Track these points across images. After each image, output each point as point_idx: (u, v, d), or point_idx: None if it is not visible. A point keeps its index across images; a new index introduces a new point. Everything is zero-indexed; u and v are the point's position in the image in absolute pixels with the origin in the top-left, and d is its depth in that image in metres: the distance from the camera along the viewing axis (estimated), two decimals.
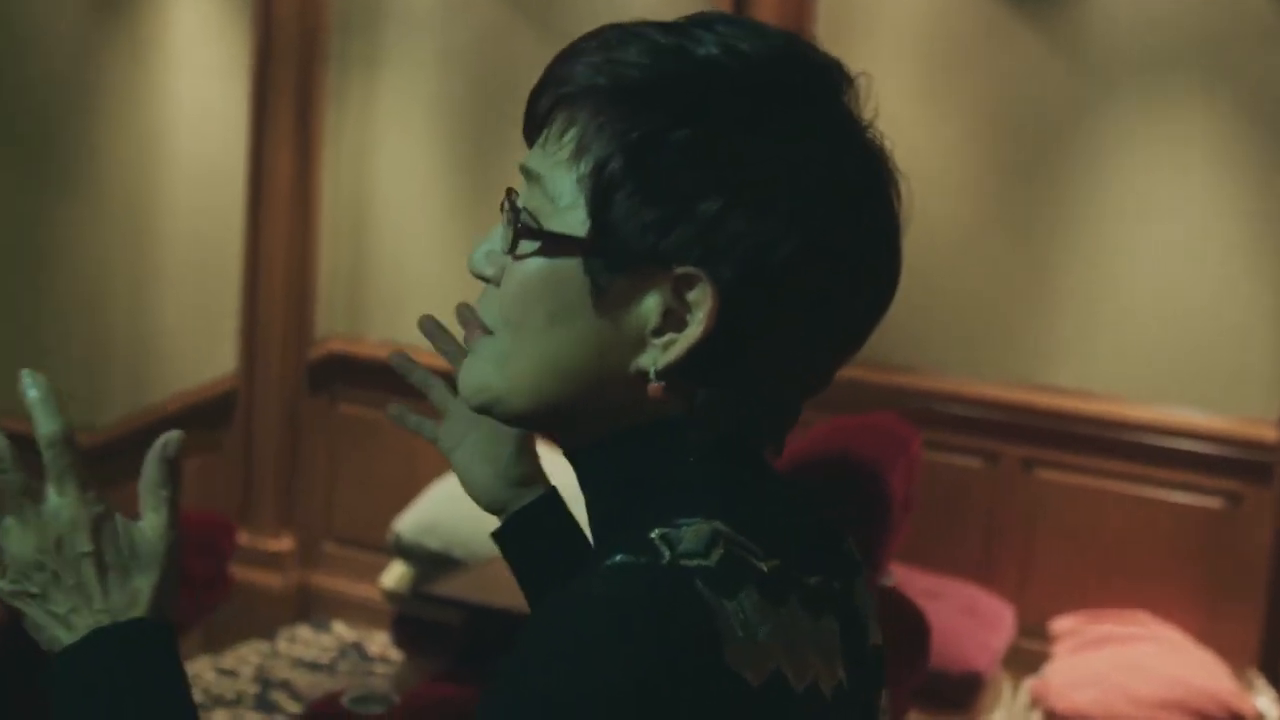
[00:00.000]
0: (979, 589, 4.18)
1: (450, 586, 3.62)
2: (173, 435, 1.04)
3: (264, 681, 4.19)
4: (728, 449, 0.95)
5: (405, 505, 4.24)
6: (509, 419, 0.97)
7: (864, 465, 2.96)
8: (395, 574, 4.09)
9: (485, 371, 0.95)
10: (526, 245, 0.91)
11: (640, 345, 0.91)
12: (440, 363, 1.25)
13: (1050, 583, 4.21)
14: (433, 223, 4.85)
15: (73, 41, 4.88)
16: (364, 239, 4.89)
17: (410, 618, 3.99)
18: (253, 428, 4.59)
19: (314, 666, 4.31)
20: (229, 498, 4.60)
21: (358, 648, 4.43)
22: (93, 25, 4.97)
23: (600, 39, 0.91)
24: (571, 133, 0.91)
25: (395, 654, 4.26)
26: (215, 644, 4.43)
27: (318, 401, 4.69)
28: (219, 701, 4.02)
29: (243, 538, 4.55)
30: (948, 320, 4.44)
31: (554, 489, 1.28)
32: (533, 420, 0.97)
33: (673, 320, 0.90)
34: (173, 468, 1.04)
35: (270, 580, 4.58)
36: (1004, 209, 4.38)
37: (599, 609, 0.85)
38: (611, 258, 0.89)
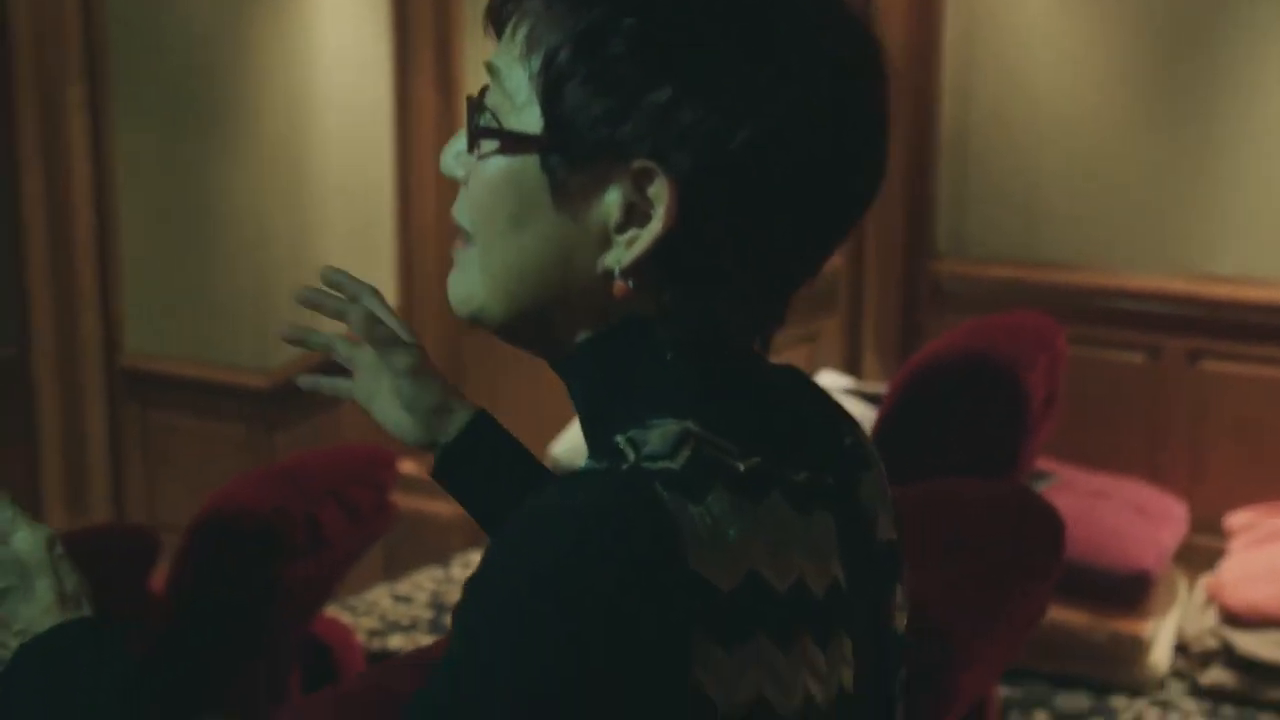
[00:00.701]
0: (1148, 487, 4.09)
1: None
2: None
3: (438, 606, 4.32)
4: (705, 346, 0.93)
5: (561, 430, 4.30)
6: (494, 329, 0.97)
7: (1002, 364, 2.93)
8: None
9: (468, 282, 0.96)
10: (487, 144, 0.92)
11: (605, 243, 0.90)
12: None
13: (1223, 477, 4.10)
14: None
15: (225, 5, 5.06)
16: None
17: None
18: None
19: None
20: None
21: None
22: None
23: None
24: (524, 27, 0.90)
25: None
26: (392, 572, 4.58)
27: (477, 335, 4.72)
28: (395, 627, 4.16)
29: (414, 468, 4.69)
30: (1103, 213, 4.31)
31: (480, 412, 1.27)
32: (514, 329, 0.96)
33: (636, 216, 0.89)
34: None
35: (442, 509, 4.68)
36: (1156, 95, 4.23)
37: (554, 523, 0.83)
38: (567, 152, 0.89)
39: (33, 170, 4.96)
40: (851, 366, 4.42)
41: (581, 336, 0.95)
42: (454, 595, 4.32)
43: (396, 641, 4.07)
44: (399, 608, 4.32)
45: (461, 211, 0.96)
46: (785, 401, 0.99)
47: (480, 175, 0.93)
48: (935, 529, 2.49)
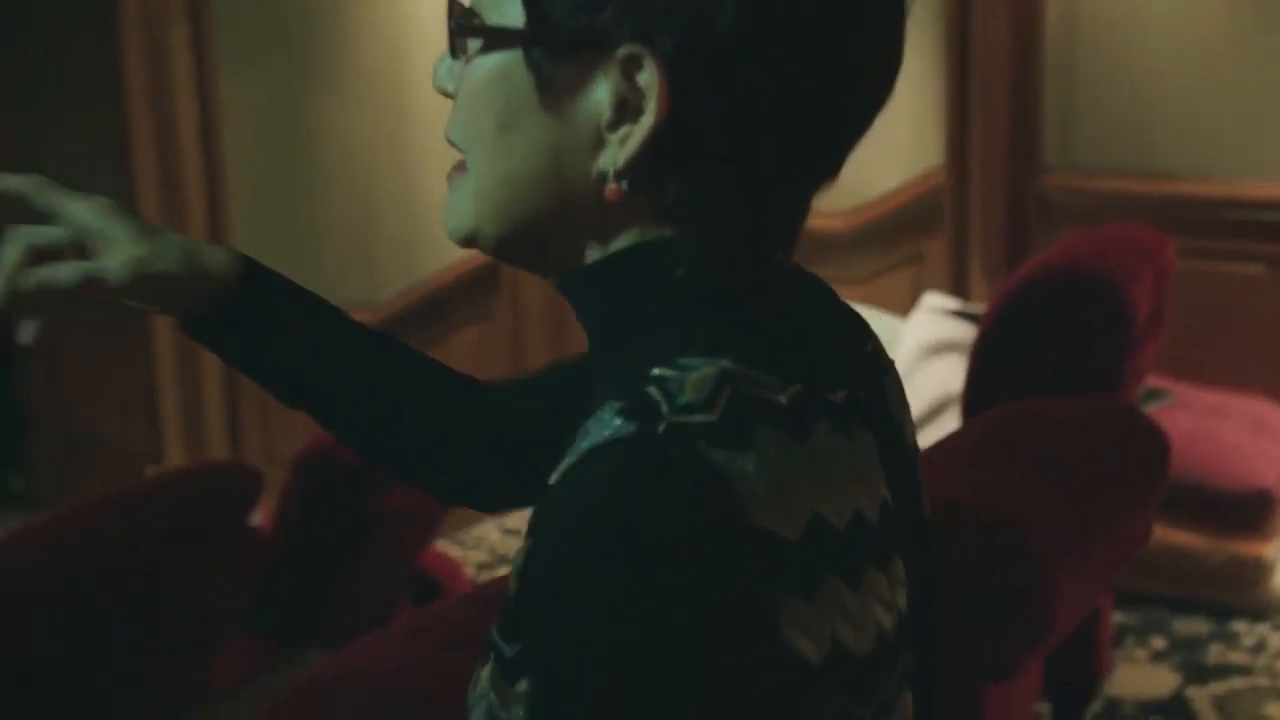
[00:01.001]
0: (1269, 403, 3.99)
1: None
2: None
3: None
4: (720, 260, 0.88)
5: None
6: (491, 250, 0.92)
7: (1103, 277, 2.86)
8: None
9: (459, 202, 0.91)
10: (471, 45, 0.88)
11: (599, 144, 0.85)
12: None
13: None
14: None
15: None
16: None
17: None
18: (519, 298, 4.72)
19: None
20: (499, 366, 4.76)
21: None
22: None
23: None
24: None
25: None
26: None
27: None
28: (503, 560, 4.24)
29: None
30: (1217, 119, 4.20)
31: (239, 259, 1.12)
32: (511, 247, 0.92)
33: (628, 111, 0.84)
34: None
35: None
36: None
37: (607, 518, 0.77)
38: (549, 45, 0.84)
39: (141, 113, 5.06)
40: (958, 288, 4.36)
41: (589, 257, 0.90)
42: None
43: (504, 571, 4.12)
44: (508, 541, 4.38)
45: (453, 127, 0.92)
46: (810, 313, 0.94)
47: (467, 82, 0.89)
48: (1030, 448, 2.46)
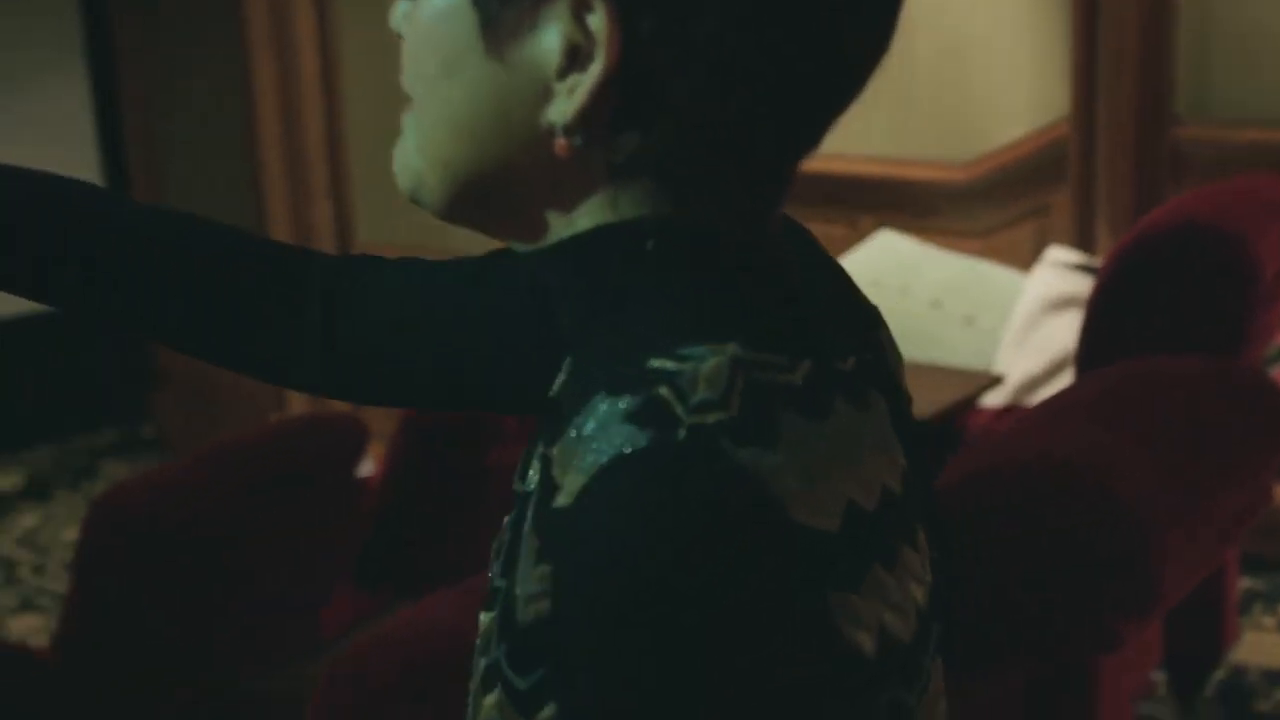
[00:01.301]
0: None
1: None
2: None
3: None
4: (696, 230, 0.82)
5: None
6: (436, 209, 0.87)
7: (1228, 230, 2.83)
8: None
9: (406, 151, 0.86)
10: None
11: (548, 95, 0.79)
12: None
13: None
14: None
15: None
16: None
17: None
18: None
19: None
20: None
21: None
22: None
23: None
24: None
25: None
26: None
27: None
28: None
29: None
30: None
31: None
32: (456, 206, 0.86)
33: (580, 59, 0.77)
34: None
35: None
36: None
37: (643, 556, 0.71)
38: None
39: (263, 63, 5.18)
40: (1084, 241, 4.31)
41: (551, 226, 0.84)
42: None
43: None
44: None
45: (404, 70, 0.86)
46: (807, 275, 0.87)
47: (414, 22, 0.84)
48: (1144, 407, 2.45)
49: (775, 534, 0.73)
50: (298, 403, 4.61)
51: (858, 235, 4.53)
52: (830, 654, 0.74)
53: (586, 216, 0.81)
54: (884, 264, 4.36)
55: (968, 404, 3.47)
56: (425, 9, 0.82)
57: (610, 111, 0.77)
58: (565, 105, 0.77)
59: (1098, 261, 4.12)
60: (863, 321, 0.91)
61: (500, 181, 0.83)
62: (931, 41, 4.62)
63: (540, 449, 0.78)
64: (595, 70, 0.75)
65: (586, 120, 0.77)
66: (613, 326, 0.80)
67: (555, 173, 0.80)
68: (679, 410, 0.73)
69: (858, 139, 4.73)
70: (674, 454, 0.72)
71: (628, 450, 0.72)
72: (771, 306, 0.81)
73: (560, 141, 0.78)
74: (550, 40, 0.77)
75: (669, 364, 0.75)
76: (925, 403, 3.56)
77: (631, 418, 0.73)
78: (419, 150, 0.84)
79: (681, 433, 0.72)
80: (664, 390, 0.74)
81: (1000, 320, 4.17)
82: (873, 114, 4.61)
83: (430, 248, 5.39)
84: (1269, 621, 3.54)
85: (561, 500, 0.73)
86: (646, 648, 0.70)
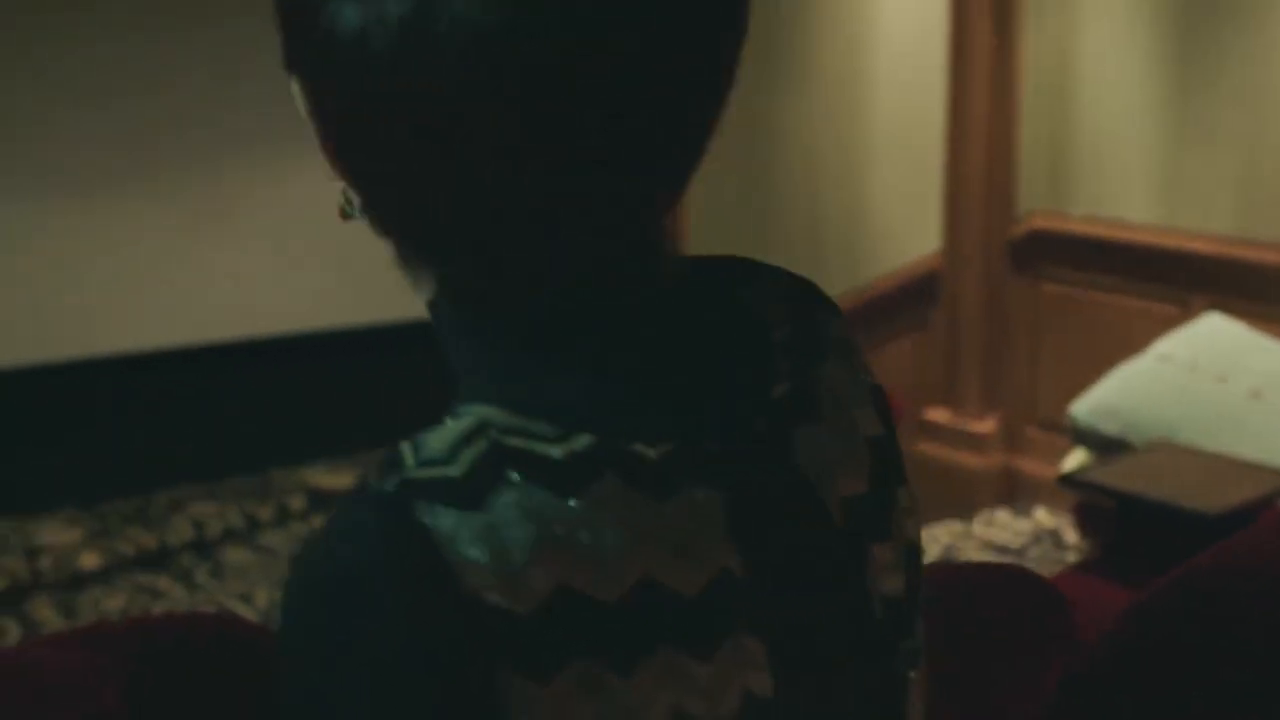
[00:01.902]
0: None
1: (1101, 473, 3.52)
2: None
3: (948, 560, 4.28)
4: (482, 302, 0.81)
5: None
6: None
7: None
8: (1076, 458, 4.01)
9: None
10: None
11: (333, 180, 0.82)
12: None
13: None
14: (1137, 98, 4.67)
15: None
16: (1066, 113, 4.75)
17: (1086, 504, 3.89)
18: (957, 308, 4.65)
19: (1003, 550, 4.36)
20: (934, 376, 4.71)
21: (1054, 535, 4.41)
22: None
23: None
24: None
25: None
26: None
27: (1021, 280, 4.67)
28: None
29: (945, 417, 4.73)
30: None
31: None
32: None
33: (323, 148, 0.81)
34: None
35: (972, 461, 4.65)
36: None
37: (308, 579, 0.76)
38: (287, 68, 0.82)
39: None
40: None
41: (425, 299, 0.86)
42: (968, 551, 4.34)
43: None
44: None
45: None
46: (663, 355, 0.82)
47: None
48: None
49: (433, 600, 0.71)
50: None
51: (1188, 316, 4.31)
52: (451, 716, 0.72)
53: (423, 286, 0.83)
54: (1206, 348, 4.18)
55: (1263, 502, 3.25)
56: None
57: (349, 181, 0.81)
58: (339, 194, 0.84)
59: None
60: (767, 404, 0.85)
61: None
62: None
63: None
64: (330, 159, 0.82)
65: (356, 205, 0.83)
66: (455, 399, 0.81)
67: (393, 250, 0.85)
68: (408, 462, 0.74)
69: (1199, 215, 4.54)
70: (366, 502, 0.74)
71: (350, 493, 0.75)
72: (561, 378, 0.79)
73: (349, 216, 0.83)
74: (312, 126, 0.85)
75: (429, 438, 0.76)
76: (1218, 495, 3.47)
77: (378, 465, 0.76)
78: None
79: (393, 483, 0.73)
80: (405, 444, 0.75)
81: None
82: (1218, 192, 4.51)
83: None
84: None
85: None
86: (283, 675, 0.75)
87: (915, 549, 0.93)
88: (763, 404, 0.85)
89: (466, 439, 0.75)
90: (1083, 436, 4.12)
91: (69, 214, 5.22)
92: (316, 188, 0.98)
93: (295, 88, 0.80)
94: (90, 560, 4.95)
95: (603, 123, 0.74)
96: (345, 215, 0.82)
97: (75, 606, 4.44)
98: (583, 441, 0.76)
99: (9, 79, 4.98)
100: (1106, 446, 4.03)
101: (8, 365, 4.98)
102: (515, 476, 0.74)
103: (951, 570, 2.31)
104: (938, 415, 4.76)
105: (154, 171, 5.20)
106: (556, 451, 0.76)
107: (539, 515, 0.74)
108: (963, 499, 4.72)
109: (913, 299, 4.81)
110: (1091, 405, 4.10)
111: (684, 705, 0.76)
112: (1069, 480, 3.74)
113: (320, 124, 0.78)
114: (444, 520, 0.73)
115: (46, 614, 4.46)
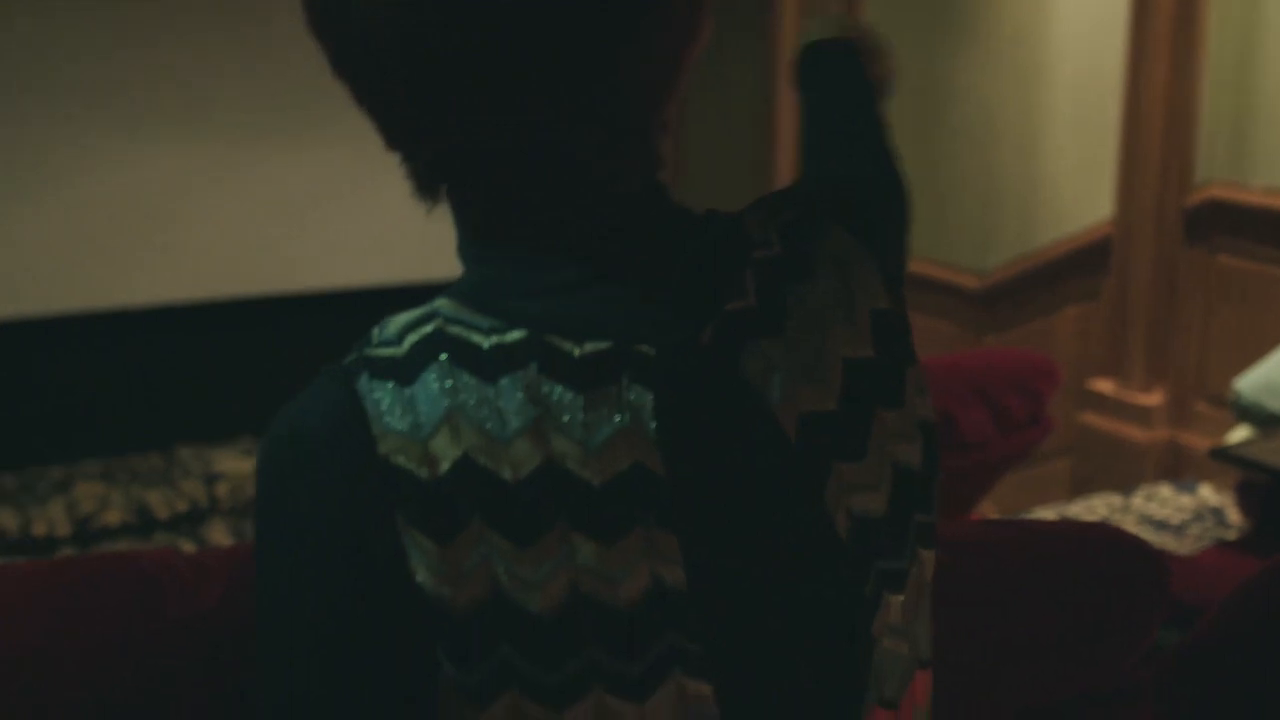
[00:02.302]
0: None
1: (1257, 448, 3.38)
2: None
3: None
4: (476, 221, 0.89)
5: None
6: None
7: None
8: (1239, 434, 3.85)
9: None
10: None
11: None
12: None
13: None
14: None
15: None
16: (1250, 82, 4.53)
17: (1246, 481, 3.74)
18: (1127, 277, 4.50)
19: (1162, 525, 4.19)
20: (1102, 347, 4.57)
21: (1217, 513, 4.22)
22: None
23: None
24: None
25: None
26: (1077, 490, 4.48)
27: (1195, 251, 4.47)
28: None
29: (1110, 388, 4.56)
30: None
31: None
32: None
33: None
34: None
35: (1136, 434, 4.49)
36: None
37: (271, 434, 0.86)
38: None
39: (784, 80, 5.27)
40: None
41: None
42: (1125, 525, 4.17)
43: None
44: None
45: None
46: (622, 270, 0.87)
47: None
48: None
49: (351, 458, 0.81)
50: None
51: None
52: (388, 581, 0.80)
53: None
54: None
55: None
56: None
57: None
58: None
59: None
60: (674, 318, 0.87)
61: None
62: None
63: None
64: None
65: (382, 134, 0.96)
66: None
67: None
68: (372, 341, 0.86)
69: None
70: (328, 372, 0.86)
71: (328, 364, 0.87)
72: (505, 283, 0.86)
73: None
74: None
75: (391, 321, 0.87)
76: None
77: (357, 341, 0.88)
78: None
79: (350, 358, 0.85)
80: (376, 326, 0.86)
81: None
82: None
83: (921, 255, 5.40)
84: None
85: None
86: (255, 511, 0.86)
87: (908, 471, 0.93)
88: (714, 316, 0.87)
89: (415, 325, 0.85)
90: (1246, 413, 3.92)
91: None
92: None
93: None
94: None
95: (509, 51, 0.81)
96: (419, 187, 0.93)
97: (245, 531, 4.60)
98: (513, 335, 0.83)
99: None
100: (1270, 423, 3.84)
101: (195, 299, 5.16)
102: (444, 358, 0.83)
103: (1045, 528, 2.26)
104: (1103, 386, 4.60)
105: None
106: (486, 342, 0.83)
107: (454, 394, 0.81)
108: (1125, 473, 4.56)
109: (1083, 267, 4.65)
110: (1256, 381, 3.90)
111: (581, 583, 0.81)
112: (1220, 454, 3.59)
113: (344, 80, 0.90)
114: (379, 393, 0.82)
115: (220, 537, 4.63)
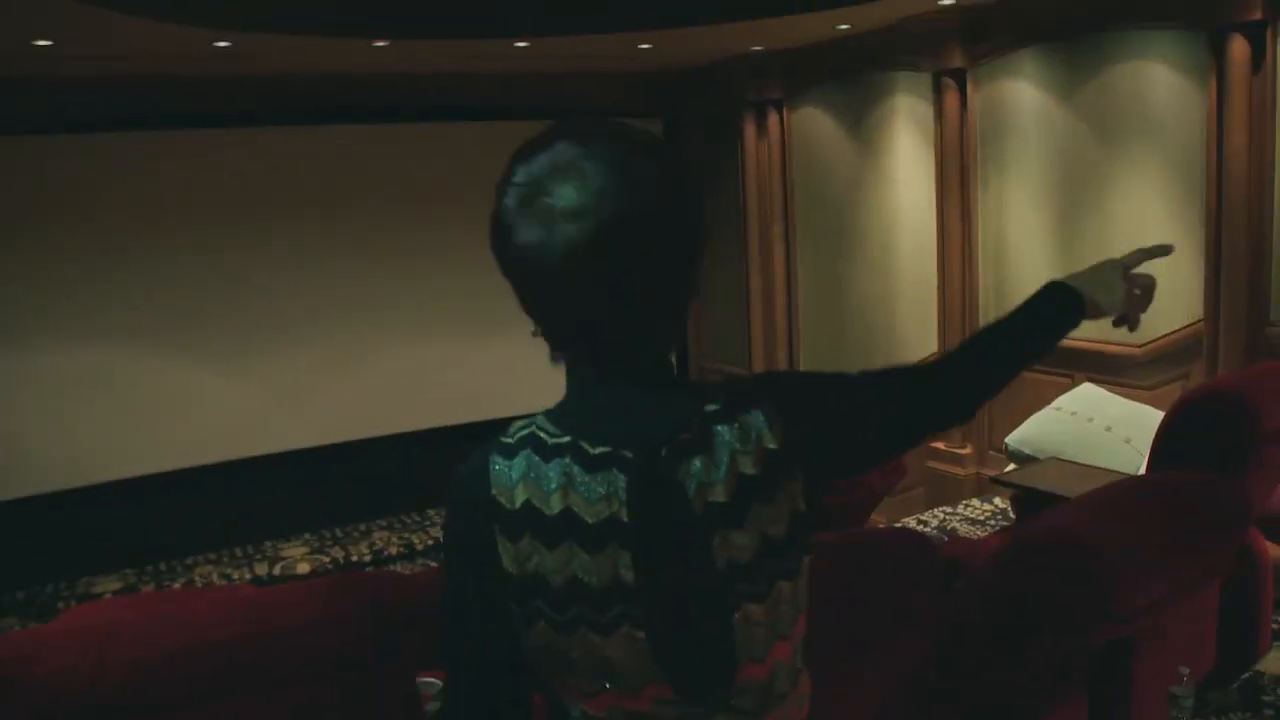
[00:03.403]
0: None
1: (1015, 475, 4.82)
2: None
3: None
4: (575, 374, 1.31)
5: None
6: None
7: (1232, 396, 3.06)
8: (1010, 468, 5.24)
9: None
10: None
11: None
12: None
13: None
14: (1040, 254, 6.07)
15: (851, 167, 7.13)
16: (1003, 265, 6.25)
17: (1015, 494, 4.95)
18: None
19: (974, 521, 5.65)
20: None
21: (1003, 513, 5.77)
22: (858, 155, 7.24)
23: None
24: None
25: None
26: (925, 505, 6.24)
27: None
28: None
29: (942, 445, 6.50)
30: None
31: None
32: None
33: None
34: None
35: (958, 471, 6.48)
36: None
37: (449, 486, 1.29)
38: None
39: (754, 274, 7.53)
40: None
41: None
42: (955, 522, 5.78)
43: None
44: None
45: None
46: (628, 407, 1.29)
47: None
48: (1140, 502, 2.61)
49: (479, 494, 1.28)
50: None
51: (1074, 384, 5.70)
52: (488, 557, 1.28)
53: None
54: (1084, 401, 5.29)
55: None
56: None
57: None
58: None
59: None
60: (671, 446, 1.30)
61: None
62: None
63: None
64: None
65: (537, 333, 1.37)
66: None
67: None
68: (504, 433, 1.31)
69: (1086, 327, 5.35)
70: (479, 452, 1.30)
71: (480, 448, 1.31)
72: (571, 411, 1.31)
73: (536, 334, 1.37)
74: None
75: (515, 424, 1.31)
76: (1079, 487, 3.95)
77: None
78: None
79: (494, 442, 1.30)
80: (511, 426, 1.31)
81: (1147, 443, 4.10)
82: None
83: None
84: None
85: None
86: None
87: (775, 540, 1.35)
88: (668, 441, 1.30)
89: (523, 427, 1.29)
90: (1012, 456, 5.41)
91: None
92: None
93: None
94: (394, 549, 7.38)
95: (607, 296, 1.25)
96: (534, 334, 1.31)
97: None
98: (563, 439, 1.28)
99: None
100: (1024, 460, 5.24)
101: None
102: (531, 447, 1.28)
103: (864, 533, 3.06)
104: (938, 444, 6.50)
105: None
106: (550, 440, 1.28)
107: (530, 465, 1.26)
108: (954, 494, 6.35)
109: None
110: (1016, 437, 5.40)
111: (578, 575, 1.26)
112: (998, 480, 4.97)
113: (516, 291, 1.29)
114: (496, 461, 1.28)
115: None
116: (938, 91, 6.58)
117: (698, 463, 1.31)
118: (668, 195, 1.27)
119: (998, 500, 6.08)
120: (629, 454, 1.30)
